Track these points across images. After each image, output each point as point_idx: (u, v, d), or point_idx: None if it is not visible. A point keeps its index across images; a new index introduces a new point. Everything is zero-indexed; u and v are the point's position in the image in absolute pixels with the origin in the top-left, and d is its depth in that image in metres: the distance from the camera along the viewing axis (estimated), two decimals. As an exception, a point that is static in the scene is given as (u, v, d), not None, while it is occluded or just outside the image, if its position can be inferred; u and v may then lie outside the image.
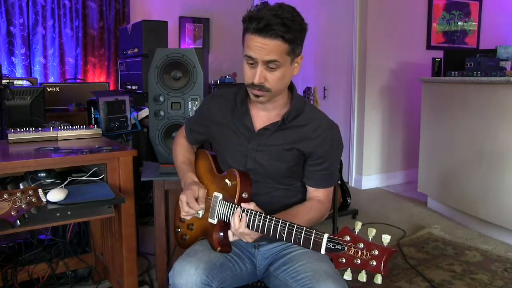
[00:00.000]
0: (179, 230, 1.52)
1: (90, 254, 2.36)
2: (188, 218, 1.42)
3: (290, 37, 1.23)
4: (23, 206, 1.29)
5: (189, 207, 1.35)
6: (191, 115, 1.97)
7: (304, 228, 1.13)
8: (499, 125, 2.89)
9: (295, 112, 1.39)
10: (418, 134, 3.76)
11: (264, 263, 1.46)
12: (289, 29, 1.23)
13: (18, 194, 1.29)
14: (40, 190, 1.36)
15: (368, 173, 4.33)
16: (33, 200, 1.31)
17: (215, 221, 1.34)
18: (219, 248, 1.31)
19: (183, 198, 1.36)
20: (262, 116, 1.41)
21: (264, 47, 1.23)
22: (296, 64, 1.33)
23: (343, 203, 3.40)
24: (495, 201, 2.92)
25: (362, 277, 1.03)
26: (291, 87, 1.42)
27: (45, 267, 2.20)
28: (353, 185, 4.38)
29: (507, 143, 2.84)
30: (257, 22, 1.22)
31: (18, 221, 1.30)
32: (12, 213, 1.27)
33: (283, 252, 1.43)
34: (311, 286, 1.24)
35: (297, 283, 1.29)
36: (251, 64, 1.28)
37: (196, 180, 1.46)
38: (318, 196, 1.42)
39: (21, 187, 1.49)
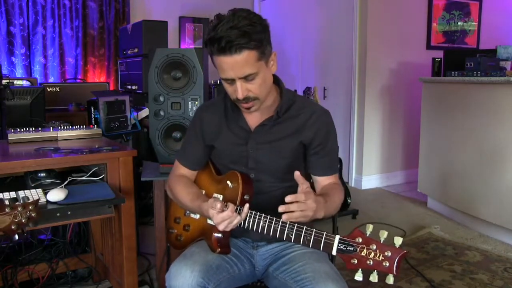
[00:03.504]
0: (173, 231, 1.51)
1: (90, 254, 2.36)
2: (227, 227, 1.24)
3: (255, 44, 1.20)
4: (23, 220, 1.32)
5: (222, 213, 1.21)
6: (191, 115, 1.97)
7: (314, 230, 1.14)
8: (499, 125, 2.88)
9: (287, 104, 1.40)
10: (418, 134, 3.75)
11: (263, 264, 1.46)
12: (251, 36, 1.19)
13: (19, 209, 1.31)
14: (39, 190, 1.37)
15: (368, 173, 4.32)
16: (32, 215, 1.34)
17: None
18: (218, 249, 1.30)
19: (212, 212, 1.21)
20: (255, 115, 1.40)
21: (234, 65, 1.21)
22: (271, 62, 1.31)
23: (343, 203, 3.38)
24: (495, 201, 2.92)
25: (374, 277, 1.04)
26: (277, 82, 1.41)
27: (45, 267, 2.20)
28: (353, 185, 4.37)
29: (507, 143, 2.83)
30: (218, 43, 1.19)
31: (16, 236, 1.33)
32: (13, 227, 1.30)
33: (282, 253, 1.42)
34: (311, 287, 1.24)
35: (296, 284, 1.29)
36: (230, 82, 1.27)
37: None
38: (330, 182, 1.44)
39: (21, 195, 1.52)
